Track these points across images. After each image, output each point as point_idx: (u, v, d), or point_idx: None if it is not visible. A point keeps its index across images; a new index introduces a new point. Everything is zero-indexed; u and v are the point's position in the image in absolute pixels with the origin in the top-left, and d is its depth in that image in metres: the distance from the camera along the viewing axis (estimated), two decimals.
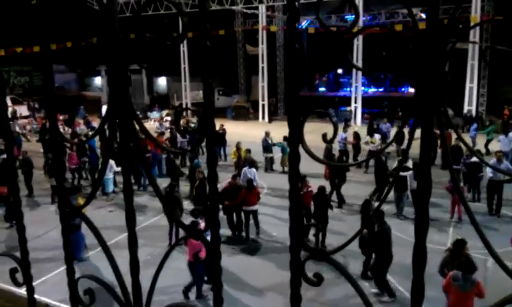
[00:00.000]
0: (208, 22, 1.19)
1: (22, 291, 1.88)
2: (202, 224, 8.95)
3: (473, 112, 26.54)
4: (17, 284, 1.77)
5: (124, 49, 1.36)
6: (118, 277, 1.50)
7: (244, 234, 12.22)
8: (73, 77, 45.56)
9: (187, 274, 9.22)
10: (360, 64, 28.39)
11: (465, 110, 26.46)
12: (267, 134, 19.12)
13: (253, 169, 14.47)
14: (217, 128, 21.39)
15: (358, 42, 27.52)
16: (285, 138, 15.97)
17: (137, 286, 1.49)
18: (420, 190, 1.13)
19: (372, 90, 33.75)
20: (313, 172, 12.04)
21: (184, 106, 35.12)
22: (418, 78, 1.12)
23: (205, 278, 9.22)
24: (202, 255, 8.75)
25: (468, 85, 26.34)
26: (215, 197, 1.32)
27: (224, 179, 14.09)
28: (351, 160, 18.41)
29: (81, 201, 10.14)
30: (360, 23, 27.69)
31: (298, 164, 1.22)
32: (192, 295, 9.25)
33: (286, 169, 15.28)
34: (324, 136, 1.21)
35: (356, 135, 19.24)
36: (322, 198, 11.53)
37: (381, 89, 33.53)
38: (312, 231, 11.56)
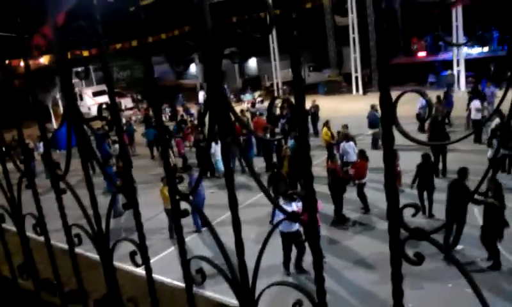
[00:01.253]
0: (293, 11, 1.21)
1: (140, 270, 2.08)
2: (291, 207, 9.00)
3: None
4: (136, 265, 1.97)
5: (216, 42, 1.43)
6: (225, 257, 1.60)
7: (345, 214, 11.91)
8: (169, 67, 47.76)
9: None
10: (460, 27, 26.29)
11: None
12: (373, 107, 17.15)
13: (351, 143, 14.15)
14: (309, 105, 21.16)
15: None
16: None
17: (243, 265, 1.58)
18: None
19: (476, 51, 30.75)
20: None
21: (274, 86, 35.42)
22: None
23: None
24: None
25: None
26: (310, 181, 1.35)
27: (317, 156, 14.23)
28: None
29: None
30: None
31: (393, 145, 1.20)
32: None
33: None
34: (418, 115, 1.18)
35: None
36: (427, 166, 11.31)
37: (486, 50, 30.47)
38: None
